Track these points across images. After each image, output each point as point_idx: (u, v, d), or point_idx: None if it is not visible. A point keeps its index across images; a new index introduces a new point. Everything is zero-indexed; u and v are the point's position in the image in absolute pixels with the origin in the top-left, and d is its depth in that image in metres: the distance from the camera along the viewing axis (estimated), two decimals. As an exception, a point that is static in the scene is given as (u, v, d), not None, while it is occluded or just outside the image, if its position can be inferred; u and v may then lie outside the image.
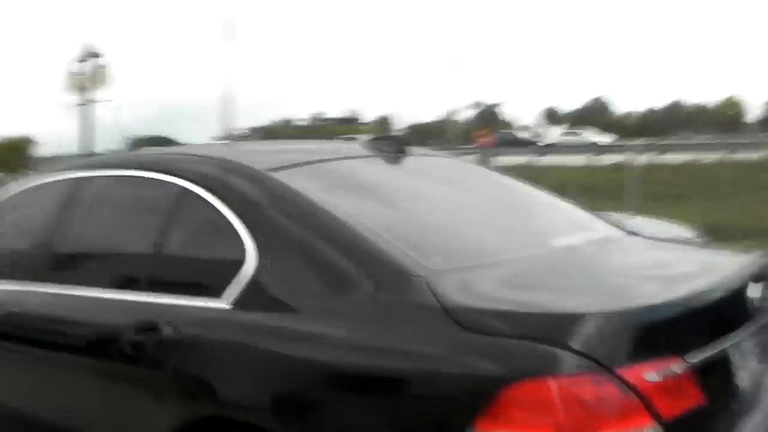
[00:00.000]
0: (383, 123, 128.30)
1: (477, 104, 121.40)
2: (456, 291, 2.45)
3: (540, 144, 47.14)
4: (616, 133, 68.52)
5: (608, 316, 2.26)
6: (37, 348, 3.50)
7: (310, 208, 2.85)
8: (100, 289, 3.27)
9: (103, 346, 3.15)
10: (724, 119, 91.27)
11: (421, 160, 3.90)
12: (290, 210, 2.87)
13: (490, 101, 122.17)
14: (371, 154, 3.65)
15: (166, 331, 2.84)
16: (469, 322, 2.28)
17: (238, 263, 2.80)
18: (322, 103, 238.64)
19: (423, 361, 2.33)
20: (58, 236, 3.60)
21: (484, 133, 37.94)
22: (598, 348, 2.16)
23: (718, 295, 2.64)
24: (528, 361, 2.17)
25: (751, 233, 14.34)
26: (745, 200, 16.74)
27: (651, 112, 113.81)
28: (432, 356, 2.31)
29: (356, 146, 3.82)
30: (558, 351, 2.15)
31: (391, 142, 3.75)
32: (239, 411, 2.66)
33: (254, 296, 2.74)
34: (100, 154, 4.86)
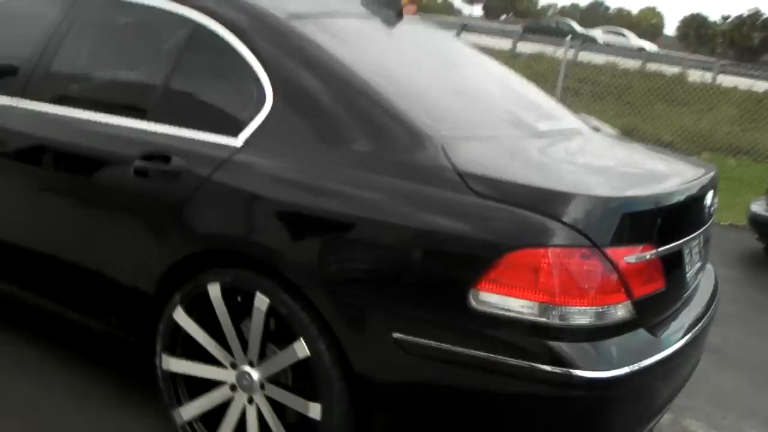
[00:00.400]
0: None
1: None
2: (468, 158, 2.63)
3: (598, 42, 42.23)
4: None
5: (605, 201, 2.51)
6: (31, 169, 3.47)
7: (326, 57, 2.95)
8: (108, 114, 3.25)
9: (106, 172, 3.19)
10: (645, 27, 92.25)
11: (416, 29, 4.03)
12: (308, 56, 2.95)
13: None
14: (371, 14, 3.76)
15: (177, 161, 2.93)
16: (481, 188, 2.47)
17: (258, 104, 2.90)
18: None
19: (433, 220, 2.50)
20: (60, 52, 3.52)
21: (409, 2, 38.06)
22: (591, 227, 2.41)
23: (688, 196, 2.94)
24: (530, 230, 2.40)
25: (661, 142, 14.98)
26: (658, 110, 17.30)
27: (573, 7, 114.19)
28: (444, 216, 2.50)
29: (356, 5, 3.86)
30: (556, 224, 2.39)
31: (390, 4, 3.85)
32: (245, 243, 2.80)
33: (265, 137, 2.85)
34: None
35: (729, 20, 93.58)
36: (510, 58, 23.71)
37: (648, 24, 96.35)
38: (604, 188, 2.68)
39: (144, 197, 3.04)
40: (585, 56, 24.96)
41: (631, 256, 2.50)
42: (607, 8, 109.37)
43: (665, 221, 2.74)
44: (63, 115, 3.39)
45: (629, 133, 13.95)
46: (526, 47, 27.49)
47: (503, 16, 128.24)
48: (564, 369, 2.37)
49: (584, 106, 15.68)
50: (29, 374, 3.57)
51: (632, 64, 23.71)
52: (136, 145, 3.06)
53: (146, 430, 3.24)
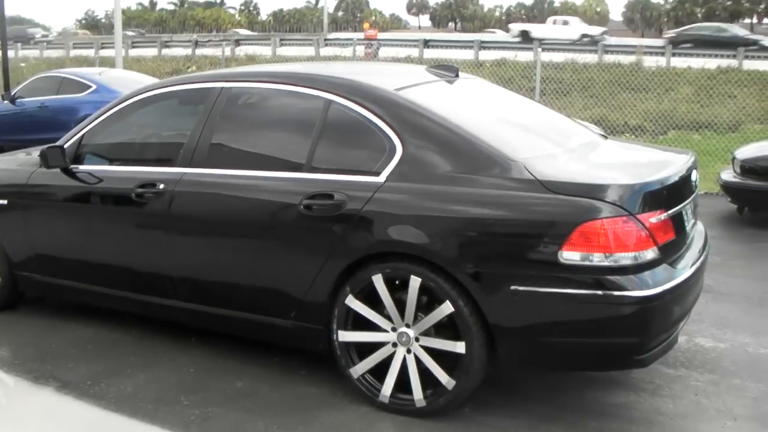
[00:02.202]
0: (248, 9, 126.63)
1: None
2: (542, 170, 4.01)
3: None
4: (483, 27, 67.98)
5: (632, 186, 3.94)
6: (216, 217, 4.79)
7: (432, 115, 4.35)
8: (279, 171, 4.61)
9: (280, 212, 4.54)
10: (591, 16, 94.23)
11: (468, 82, 5.45)
12: (420, 117, 4.34)
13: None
14: (438, 78, 5.17)
15: (339, 196, 4.31)
16: (555, 188, 3.87)
17: (390, 153, 4.28)
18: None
19: (530, 211, 3.91)
20: (219, 130, 4.90)
21: (370, 28, 39.80)
22: (626, 203, 3.83)
23: (680, 176, 4.37)
24: (589, 210, 3.79)
25: (629, 126, 16.52)
26: (621, 99, 18.82)
27: (519, 7, 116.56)
28: (536, 208, 3.91)
29: (426, 74, 5.27)
30: (605, 204, 3.80)
31: (448, 69, 5.32)
32: (401, 244, 4.14)
33: (401, 174, 4.22)
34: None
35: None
36: (475, 67, 25.30)
37: (594, 12, 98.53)
38: (629, 178, 4.08)
39: (314, 225, 4.40)
40: (544, 56, 26.49)
41: (653, 217, 3.93)
42: (552, 2, 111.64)
43: (669, 193, 4.18)
44: (233, 175, 4.76)
45: (599, 123, 15.41)
46: (486, 55, 29.01)
47: (450, 24, 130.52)
48: (621, 292, 3.79)
49: (552, 104, 17.12)
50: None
51: (590, 58, 25.22)
52: (302, 189, 4.44)
53: (326, 392, 4.63)
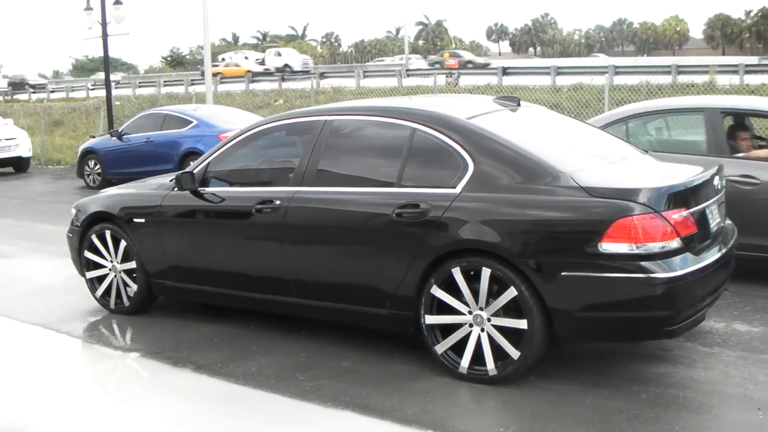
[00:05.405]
0: (329, 40, 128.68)
1: (422, 22, 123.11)
2: (585, 178, 4.94)
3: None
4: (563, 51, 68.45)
5: (658, 189, 4.86)
6: (324, 227, 5.83)
7: (497, 138, 5.33)
8: (375, 187, 5.67)
9: (376, 220, 5.54)
10: (671, 36, 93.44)
11: (528, 110, 6.42)
12: (487, 140, 5.32)
13: (434, 18, 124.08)
14: (503, 107, 6.16)
15: (424, 206, 5.31)
16: (595, 193, 4.81)
17: (464, 169, 5.27)
18: (267, 20, 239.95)
19: (576, 211, 4.84)
20: (323, 154, 5.96)
21: (449, 57, 40.74)
22: (653, 203, 4.75)
23: (703, 181, 5.28)
24: (624, 209, 4.72)
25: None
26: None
27: (598, 29, 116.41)
28: (580, 209, 4.84)
29: (492, 104, 6.24)
30: (636, 204, 4.72)
31: (511, 99, 6.30)
32: (474, 242, 5.10)
33: (473, 186, 5.20)
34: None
35: (752, 14, 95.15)
36: (553, 92, 26.05)
37: (673, 32, 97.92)
38: (655, 183, 5.00)
39: (404, 230, 5.40)
40: (619, 80, 27.01)
41: (676, 214, 4.84)
42: (631, 24, 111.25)
43: (691, 195, 5.10)
44: (337, 191, 5.83)
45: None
46: (563, 80, 29.69)
47: (530, 50, 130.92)
48: (651, 274, 4.70)
49: (628, 126, 17.68)
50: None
51: (664, 80, 25.70)
52: (394, 201, 5.46)
53: (415, 368, 5.60)
